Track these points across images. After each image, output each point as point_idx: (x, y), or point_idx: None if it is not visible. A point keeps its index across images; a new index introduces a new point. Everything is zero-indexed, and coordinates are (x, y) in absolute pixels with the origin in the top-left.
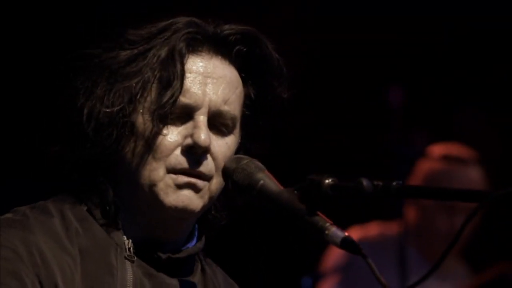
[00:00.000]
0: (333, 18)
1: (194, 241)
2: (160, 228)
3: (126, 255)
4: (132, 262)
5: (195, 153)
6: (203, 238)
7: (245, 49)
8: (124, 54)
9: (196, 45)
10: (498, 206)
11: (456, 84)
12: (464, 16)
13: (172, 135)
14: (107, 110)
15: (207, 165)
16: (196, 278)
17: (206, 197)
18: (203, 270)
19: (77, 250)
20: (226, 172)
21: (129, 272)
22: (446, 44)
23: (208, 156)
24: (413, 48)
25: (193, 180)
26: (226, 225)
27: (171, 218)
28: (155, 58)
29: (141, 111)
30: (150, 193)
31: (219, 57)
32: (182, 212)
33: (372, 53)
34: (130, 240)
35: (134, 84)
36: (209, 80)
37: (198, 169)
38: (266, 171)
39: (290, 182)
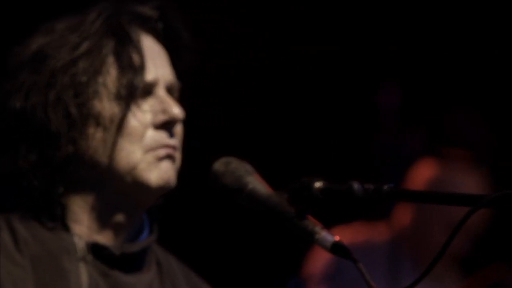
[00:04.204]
0: (326, 14)
1: (145, 233)
2: (124, 214)
3: (78, 257)
4: (86, 262)
5: (168, 127)
6: (156, 229)
7: (163, 25)
8: (72, 45)
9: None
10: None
11: (451, 83)
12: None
13: (142, 115)
14: (77, 104)
15: (177, 137)
16: (152, 271)
17: (176, 171)
18: (158, 262)
19: (28, 261)
20: (215, 176)
21: (84, 273)
22: (442, 43)
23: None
24: (409, 46)
25: (170, 151)
26: (212, 227)
27: (147, 197)
28: (109, 43)
29: (105, 98)
30: (131, 176)
31: (149, 34)
32: (165, 186)
33: (365, 50)
34: (82, 240)
35: (95, 74)
36: (155, 55)
37: (174, 143)
38: (256, 174)
39: (282, 184)
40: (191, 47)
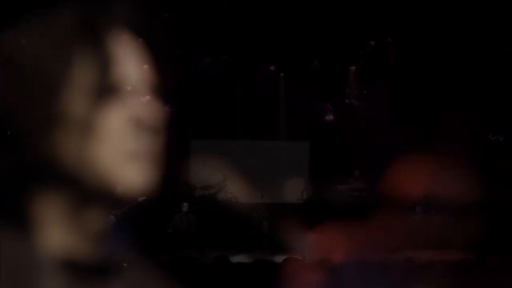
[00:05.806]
0: (322, 13)
1: (120, 239)
2: (97, 220)
3: (51, 267)
4: (58, 274)
5: (140, 130)
6: (130, 235)
7: (139, 23)
8: (42, 42)
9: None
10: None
11: (446, 81)
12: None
13: (113, 117)
14: (46, 104)
15: (150, 140)
16: (126, 278)
17: (149, 174)
18: (131, 268)
19: (5, 276)
20: (186, 185)
21: (55, 285)
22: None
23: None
24: (403, 42)
25: (140, 154)
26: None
27: (119, 201)
28: (80, 41)
29: (75, 98)
30: (101, 181)
31: (123, 32)
32: (136, 191)
33: (360, 48)
34: (53, 250)
35: (64, 73)
36: (129, 54)
37: (146, 149)
38: (229, 180)
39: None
40: (168, 46)
